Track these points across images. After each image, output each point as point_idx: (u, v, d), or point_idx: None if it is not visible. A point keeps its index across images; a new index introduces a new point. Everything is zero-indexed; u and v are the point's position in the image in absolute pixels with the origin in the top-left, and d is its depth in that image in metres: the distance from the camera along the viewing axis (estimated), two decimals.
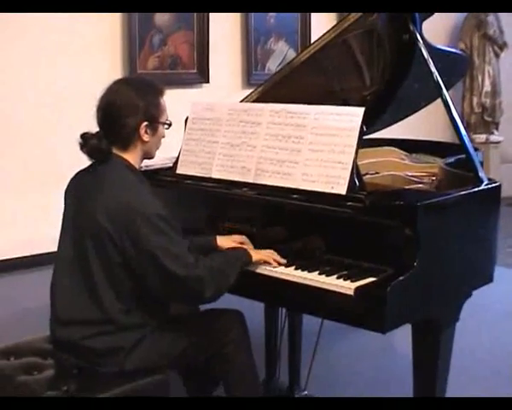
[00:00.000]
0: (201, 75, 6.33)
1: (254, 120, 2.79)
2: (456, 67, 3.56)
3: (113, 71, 5.76)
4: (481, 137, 7.86)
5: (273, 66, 6.79)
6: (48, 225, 5.26)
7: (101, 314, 2.28)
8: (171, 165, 3.04)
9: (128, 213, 2.23)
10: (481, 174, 2.67)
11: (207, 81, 6.32)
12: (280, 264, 2.45)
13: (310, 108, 2.66)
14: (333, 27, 3.06)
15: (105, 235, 2.24)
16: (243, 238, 2.63)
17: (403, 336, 2.59)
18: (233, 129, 2.84)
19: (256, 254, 2.47)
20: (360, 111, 2.51)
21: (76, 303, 2.30)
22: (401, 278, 2.17)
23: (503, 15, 8.00)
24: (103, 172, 2.36)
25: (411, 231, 2.22)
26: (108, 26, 5.74)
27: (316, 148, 2.58)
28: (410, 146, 3.42)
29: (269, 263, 2.45)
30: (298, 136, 2.64)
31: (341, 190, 2.45)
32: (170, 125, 2.52)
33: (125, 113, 2.35)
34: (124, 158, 2.39)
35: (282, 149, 2.67)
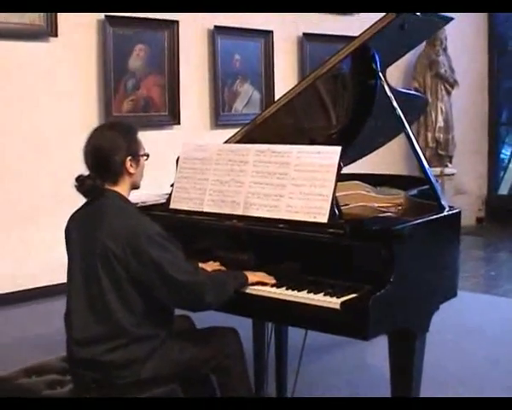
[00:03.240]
0: (172, 117, 6.62)
1: (241, 159, 3.10)
2: (416, 106, 3.94)
3: (90, 114, 6.08)
4: (436, 170, 8.11)
5: (240, 107, 7.13)
6: (29, 261, 5.53)
7: (116, 329, 2.56)
8: (163, 201, 3.34)
9: (133, 233, 2.56)
10: (443, 202, 3.03)
11: (178, 123, 6.60)
12: (272, 284, 2.77)
13: (292, 147, 2.98)
14: (305, 77, 3.40)
15: (110, 254, 2.55)
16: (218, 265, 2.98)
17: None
18: (222, 167, 3.15)
19: (252, 276, 2.80)
20: (338, 149, 2.84)
21: (92, 323, 2.58)
22: (380, 292, 2.49)
23: (453, 55, 8.51)
24: (102, 205, 2.69)
25: (388, 252, 2.56)
26: (85, 72, 6.05)
27: (298, 183, 2.90)
28: (373, 180, 3.71)
29: (263, 283, 2.77)
30: (282, 172, 2.96)
31: (323, 218, 2.78)
32: (148, 156, 2.86)
33: (112, 152, 2.70)
34: (116, 191, 2.73)
35: (267, 184, 2.98)
